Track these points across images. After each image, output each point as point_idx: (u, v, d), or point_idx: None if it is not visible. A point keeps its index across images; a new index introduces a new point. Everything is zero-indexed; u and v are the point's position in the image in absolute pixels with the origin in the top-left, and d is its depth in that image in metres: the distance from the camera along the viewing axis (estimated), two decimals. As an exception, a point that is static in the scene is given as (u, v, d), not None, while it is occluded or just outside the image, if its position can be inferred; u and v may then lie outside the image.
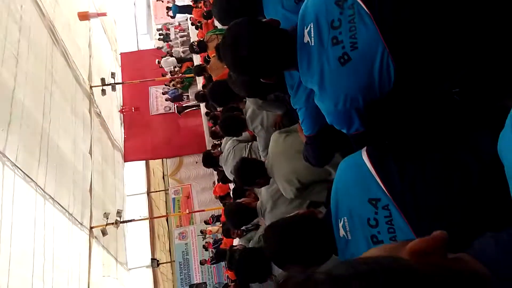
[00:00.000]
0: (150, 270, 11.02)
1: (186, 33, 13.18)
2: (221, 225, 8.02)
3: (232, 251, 3.14)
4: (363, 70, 0.99)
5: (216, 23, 6.42)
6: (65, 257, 6.34)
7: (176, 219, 11.21)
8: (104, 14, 11.59)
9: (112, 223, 7.60)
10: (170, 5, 12.12)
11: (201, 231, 9.88)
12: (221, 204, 7.25)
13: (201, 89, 7.73)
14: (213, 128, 6.29)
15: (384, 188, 0.97)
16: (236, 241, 4.74)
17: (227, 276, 7.37)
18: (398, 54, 0.96)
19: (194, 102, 10.61)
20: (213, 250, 8.97)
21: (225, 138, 3.70)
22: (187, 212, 10.54)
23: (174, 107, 11.78)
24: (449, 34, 0.94)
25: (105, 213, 7.63)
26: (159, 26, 14.85)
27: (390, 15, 0.96)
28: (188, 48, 9.76)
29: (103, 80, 9.02)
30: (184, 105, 11.68)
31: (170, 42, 13.82)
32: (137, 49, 15.71)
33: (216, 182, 7.49)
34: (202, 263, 9.84)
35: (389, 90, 1.00)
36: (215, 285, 9.52)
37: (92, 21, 10.68)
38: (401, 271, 0.33)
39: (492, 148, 0.93)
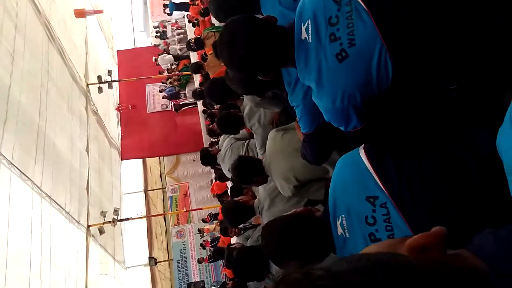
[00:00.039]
0: (148, 269, 11.01)
1: (183, 30, 13.13)
2: (218, 223, 8.02)
3: (230, 250, 3.14)
4: (361, 67, 0.99)
5: (213, 21, 6.40)
6: (63, 255, 6.33)
7: (174, 217, 11.20)
8: (100, 11, 11.52)
9: (109, 222, 7.58)
10: (167, 2, 12.05)
11: (199, 230, 9.88)
12: (219, 202, 7.26)
13: (198, 86, 7.72)
14: (211, 126, 6.29)
15: (382, 186, 0.97)
16: (233, 240, 4.74)
17: (225, 274, 7.38)
18: (396, 51, 0.96)
19: (191, 100, 10.57)
20: (210, 248, 8.98)
21: (222, 136, 3.70)
22: (185, 210, 10.53)
23: (171, 105, 11.75)
24: (447, 31, 0.94)
25: (102, 212, 7.60)
26: (156, 24, 14.78)
27: (388, 12, 0.96)
28: (185, 46, 9.73)
29: (99, 77, 8.98)
30: (181, 103, 11.65)
31: (167, 40, 13.76)
32: (133, 47, 15.63)
33: (214, 180, 7.49)
34: (200, 261, 9.85)
35: (387, 87, 1.00)
36: (213, 284, 9.53)
37: (88, 18, 10.61)
38: (400, 267, 0.33)
39: (490, 145, 0.93)
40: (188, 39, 8.50)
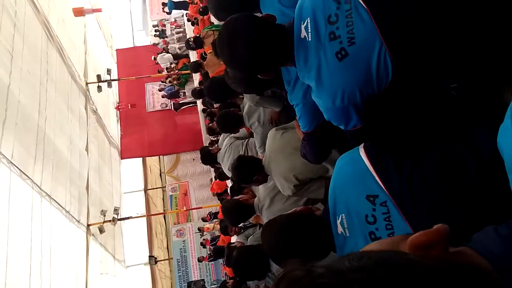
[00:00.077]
0: (148, 268, 11.03)
1: (182, 29, 13.11)
2: (218, 222, 8.03)
3: (230, 249, 3.15)
4: (360, 65, 0.98)
5: (213, 19, 6.38)
6: (63, 254, 6.33)
7: (174, 216, 11.21)
8: (99, 10, 11.49)
9: (109, 221, 7.59)
10: (166, 1, 12.01)
11: (199, 229, 9.89)
12: (219, 201, 7.26)
13: (198, 85, 7.71)
14: (210, 124, 6.29)
15: (382, 185, 0.97)
16: (234, 238, 4.74)
17: (225, 273, 7.39)
18: (396, 50, 0.95)
19: (190, 99, 10.57)
20: (210, 247, 8.98)
21: (222, 135, 3.70)
22: (185, 209, 10.54)
23: (171, 104, 11.74)
24: (447, 30, 0.94)
25: (102, 211, 7.61)
26: (155, 22, 14.75)
27: (388, 11, 0.96)
28: (184, 45, 9.71)
29: (99, 76, 8.97)
30: (180, 101, 11.65)
31: (166, 38, 13.74)
32: (133, 46, 15.60)
33: (214, 179, 7.49)
34: (200, 260, 9.86)
35: (387, 86, 0.99)
36: (213, 282, 9.55)
37: (87, 17, 10.59)
38: (402, 265, 0.33)
39: (489, 143, 0.93)
40: (187, 38, 8.49)
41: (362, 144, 1.06)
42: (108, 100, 11.37)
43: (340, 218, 1.02)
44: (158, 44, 13.76)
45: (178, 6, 11.14)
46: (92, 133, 9.18)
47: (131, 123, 11.72)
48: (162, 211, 11.53)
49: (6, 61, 5.45)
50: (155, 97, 12.22)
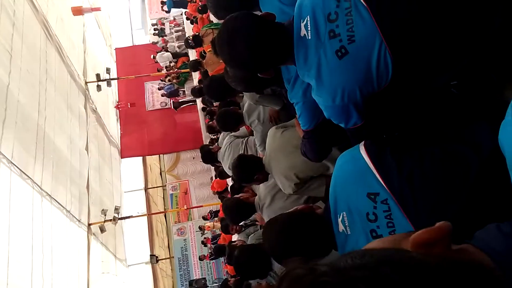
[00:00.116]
0: (149, 267, 11.04)
1: (181, 27, 13.08)
2: (218, 220, 8.04)
3: (231, 247, 3.15)
4: (360, 63, 0.98)
5: (212, 18, 6.37)
6: (64, 254, 6.34)
7: (174, 215, 11.22)
8: (98, 9, 11.46)
9: (110, 220, 7.60)
10: (165, -1, 12.00)
11: (200, 227, 9.90)
12: (219, 200, 7.26)
13: (197, 84, 7.70)
14: (210, 122, 6.28)
15: (382, 183, 0.97)
16: (235, 237, 4.75)
17: (226, 271, 7.40)
18: (396, 47, 0.95)
19: (190, 98, 10.56)
20: (211, 245, 9.00)
21: (222, 134, 3.69)
22: (185, 208, 10.55)
23: (170, 103, 11.73)
24: (447, 27, 0.94)
25: (103, 210, 7.61)
26: (154, 21, 14.71)
27: (388, 9, 0.95)
28: (183, 43, 9.69)
29: (98, 75, 8.95)
30: (180, 100, 11.63)
31: (165, 37, 13.71)
32: (132, 44, 15.58)
33: (214, 178, 7.49)
34: (201, 258, 9.88)
35: (387, 84, 0.99)
36: (215, 281, 9.57)
37: (86, 16, 10.56)
38: (404, 263, 0.33)
39: (490, 140, 0.93)
40: (186, 36, 8.47)
41: (363, 142, 1.06)
42: (107, 99, 11.36)
43: (341, 216, 1.02)
44: (157, 42, 13.73)
45: (177, 4, 11.12)
46: (92, 132, 9.17)
47: (131, 122, 11.71)
48: (162, 210, 11.54)
49: (5, 61, 5.44)
50: (154, 96, 12.20)
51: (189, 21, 9.71)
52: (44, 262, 5.50)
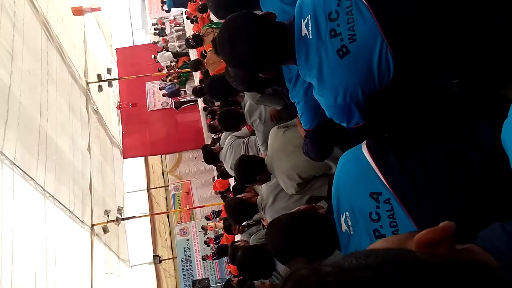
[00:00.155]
0: (152, 267, 11.07)
1: (181, 27, 13.08)
2: (220, 220, 8.05)
3: (234, 248, 3.15)
4: (362, 62, 0.98)
5: (212, 17, 6.36)
6: (67, 255, 6.36)
7: (177, 215, 11.24)
8: (98, 9, 11.47)
9: (113, 221, 7.61)
10: (165, -1, 12.00)
11: (202, 227, 9.91)
12: (222, 200, 7.27)
13: (198, 84, 7.70)
14: (212, 122, 6.29)
15: (385, 182, 0.96)
16: (238, 237, 4.75)
17: (230, 271, 7.41)
18: (397, 46, 0.95)
19: (191, 97, 10.57)
20: (214, 245, 9.01)
21: (223, 133, 3.69)
22: (188, 208, 10.56)
23: (172, 103, 11.74)
24: (448, 25, 0.93)
25: (105, 211, 7.63)
26: (154, 21, 14.72)
27: (389, 7, 0.95)
28: (184, 43, 9.69)
29: (99, 76, 8.96)
30: (181, 100, 11.64)
31: (165, 37, 13.72)
32: (132, 44, 15.60)
33: (216, 178, 7.50)
34: (204, 258, 9.89)
35: (389, 83, 0.99)
36: (218, 281, 9.58)
37: (86, 16, 10.58)
38: (409, 263, 0.33)
39: (491, 139, 0.93)
40: (187, 36, 8.47)
41: (365, 141, 1.06)
42: (109, 99, 11.38)
43: (344, 216, 1.02)
44: (157, 42, 13.74)
45: (177, 4, 11.11)
46: (93, 133, 9.19)
47: (133, 122, 11.73)
48: (165, 210, 11.56)
49: (6, 62, 5.45)
50: (155, 95, 12.22)
51: (189, 20, 9.71)
52: (47, 263, 5.52)
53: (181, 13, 12.55)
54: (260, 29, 1.09)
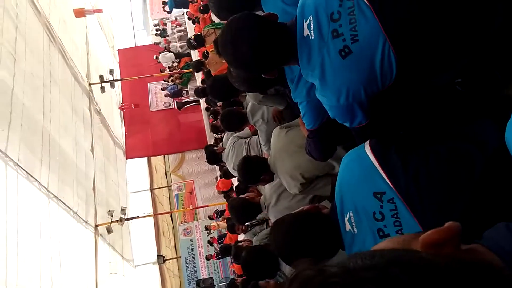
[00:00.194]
0: (156, 267, 11.10)
1: (183, 28, 13.09)
2: (223, 219, 8.05)
3: (237, 247, 3.16)
4: (364, 62, 0.98)
5: (213, 17, 6.36)
6: (72, 255, 6.39)
7: (180, 215, 11.26)
8: (100, 11, 11.51)
9: (117, 221, 7.64)
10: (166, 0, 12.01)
11: (205, 227, 9.93)
12: (225, 199, 7.28)
13: (201, 84, 7.70)
14: (214, 122, 6.28)
15: (388, 181, 0.96)
16: (241, 236, 4.75)
17: (233, 270, 7.42)
18: (400, 46, 0.95)
19: (193, 98, 10.57)
20: (218, 245, 9.02)
21: (226, 134, 3.70)
22: (191, 208, 10.58)
23: (174, 103, 11.76)
24: (450, 24, 0.93)
25: (109, 211, 7.66)
26: (156, 22, 14.75)
27: (391, 7, 0.95)
28: (186, 43, 9.69)
29: (101, 77, 8.99)
30: (183, 100, 11.66)
31: (167, 37, 13.74)
32: (134, 45, 15.63)
33: (219, 178, 7.50)
34: (207, 258, 9.91)
35: (391, 83, 0.99)
36: (222, 280, 9.59)
37: (88, 18, 10.61)
38: (414, 263, 0.33)
39: (494, 138, 0.92)
40: (189, 36, 8.47)
41: (368, 141, 1.06)
42: (111, 100, 11.42)
43: (347, 216, 1.02)
44: (159, 43, 13.76)
45: (178, 4, 11.11)
46: (96, 134, 9.23)
47: (135, 123, 11.76)
48: (168, 210, 11.59)
49: (9, 64, 5.48)
50: (158, 96, 12.24)
51: (190, 21, 9.70)
52: (52, 263, 5.55)
53: (183, 14, 12.56)
54: (262, 30, 1.09)
